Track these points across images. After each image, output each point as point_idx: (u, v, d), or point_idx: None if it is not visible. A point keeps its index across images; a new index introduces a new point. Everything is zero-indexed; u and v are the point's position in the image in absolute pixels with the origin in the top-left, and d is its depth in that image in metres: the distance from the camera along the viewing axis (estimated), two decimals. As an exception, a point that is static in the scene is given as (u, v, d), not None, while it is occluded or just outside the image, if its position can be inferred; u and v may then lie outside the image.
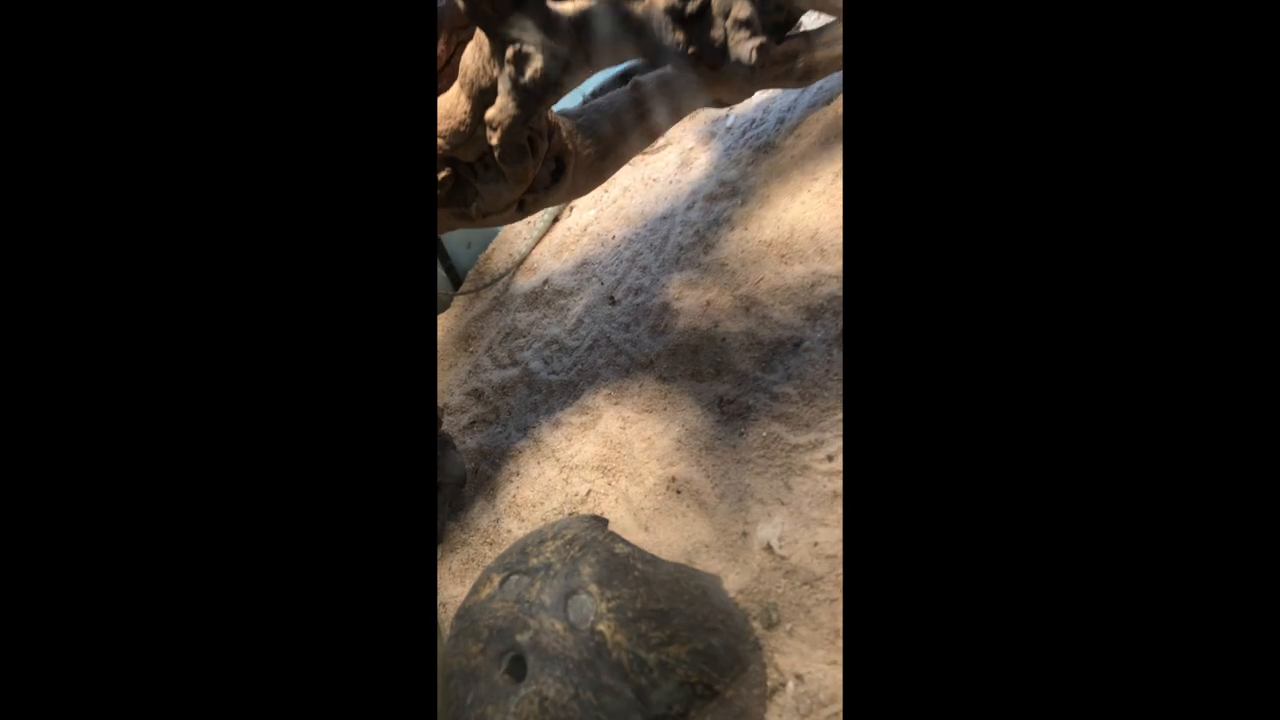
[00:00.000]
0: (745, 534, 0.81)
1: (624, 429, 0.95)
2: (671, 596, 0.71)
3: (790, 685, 0.72)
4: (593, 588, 0.68)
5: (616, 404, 0.98)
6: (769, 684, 0.72)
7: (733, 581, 0.79)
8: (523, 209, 0.82)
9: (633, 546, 0.75)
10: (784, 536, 0.79)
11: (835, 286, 0.87)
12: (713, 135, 1.15)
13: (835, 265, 0.88)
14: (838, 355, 0.84)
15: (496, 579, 0.74)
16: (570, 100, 0.99)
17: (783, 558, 0.78)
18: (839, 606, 0.73)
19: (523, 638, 0.66)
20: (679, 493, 0.87)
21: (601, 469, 0.94)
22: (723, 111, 1.18)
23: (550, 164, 0.79)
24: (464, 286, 1.34)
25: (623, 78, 0.88)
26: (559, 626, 0.66)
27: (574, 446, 0.99)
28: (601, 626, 0.65)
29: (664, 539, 0.85)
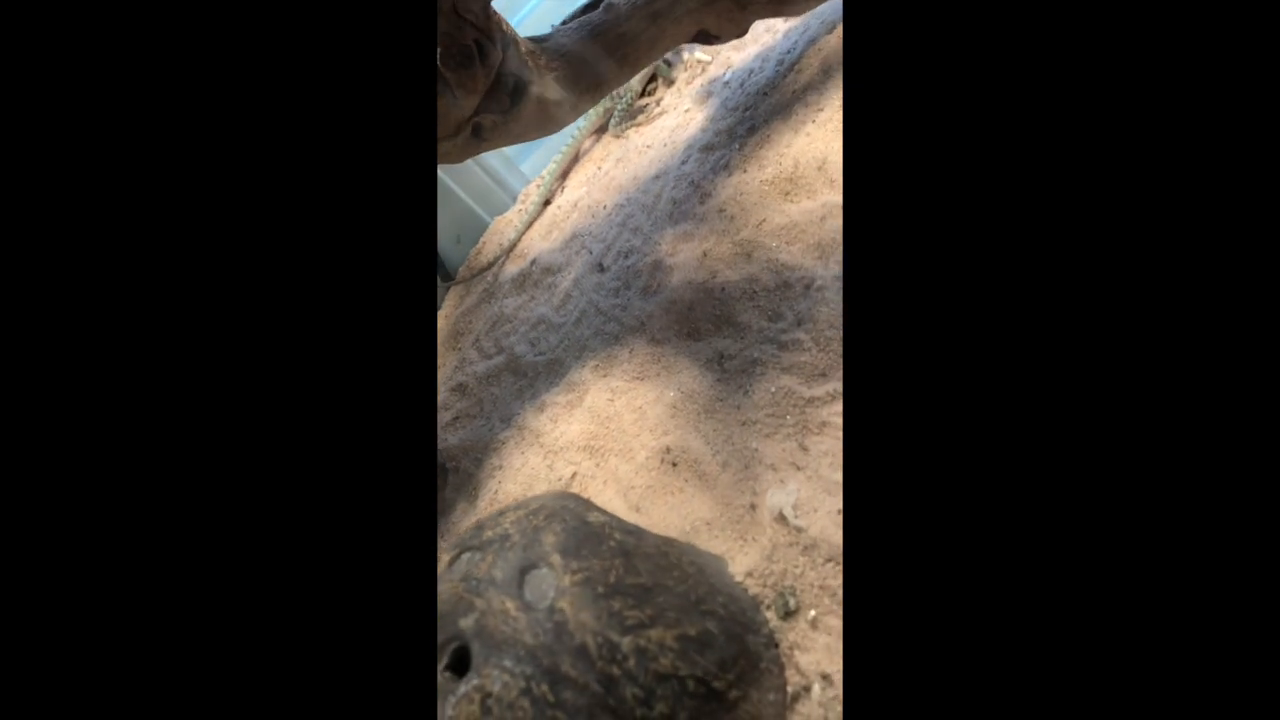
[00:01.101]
0: (754, 506, 0.67)
1: (612, 401, 0.82)
2: (657, 572, 0.56)
3: (816, 689, 0.56)
4: (555, 559, 0.54)
5: (605, 376, 0.85)
6: (789, 688, 0.57)
7: (739, 565, 0.64)
8: (480, 135, 0.72)
9: (611, 516, 0.61)
10: (800, 504, 0.64)
11: (849, 217, 0.74)
12: (710, 95, 1.05)
13: (848, 194, 0.76)
14: (856, 291, 0.71)
15: (445, 559, 0.61)
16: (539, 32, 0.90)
17: (799, 529, 0.63)
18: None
19: (466, 622, 0.52)
20: (674, 465, 0.73)
21: (588, 449, 0.81)
22: (722, 71, 1.09)
23: (508, 84, 0.69)
24: (454, 281, 1.25)
25: (594, 3, 0.80)
26: (510, 605, 0.52)
27: (559, 428, 0.86)
28: (563, 604, 0.51)
29: (658, 519, 0.71)
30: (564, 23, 0.79)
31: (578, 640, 0.50)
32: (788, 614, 0.60)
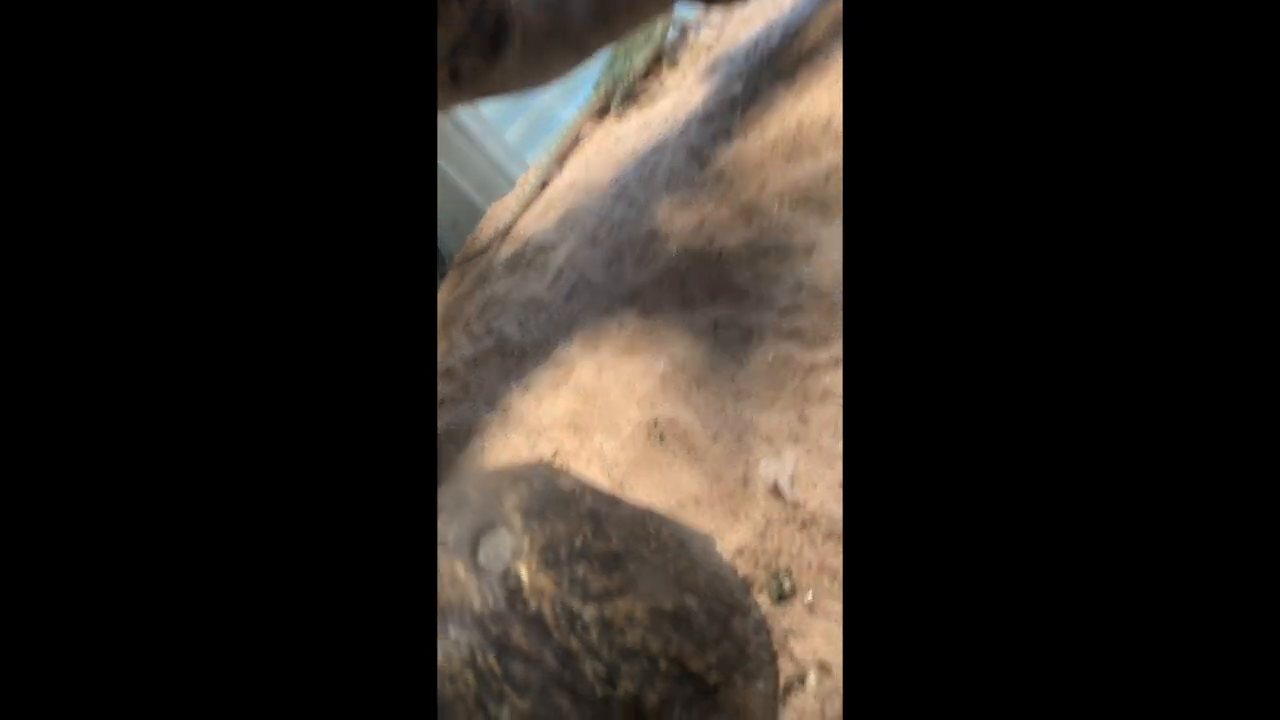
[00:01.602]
0: (746, 480, 0.60)
1: (599, 376, 0.76)
2: (630, 540, 0.50)
3: (812, 679, 0.50)
4: (515, 520, 0.48)
5: (593, 350, 0.79)
6: (782, 678, 0.50)
7: (729, 542, 0.57)
8: (457, 81, 0.67)
9: (585, 482, 0.55)
10: (798, 476, 0.57)
11: (856, 175, 0.69)
12: (714, 71, 1.01)
13: (855, 152, 0.70)
14: (862, 251, 0.65)
15: (399, 525, 0.55)
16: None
17: (796, 504, 0.56)
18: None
19: (411, 589, 0.46)
20: (662, 439, 0.67)
21: (572, 426, 0.75)
22: (727, 49, 1.05)
23: (487, 23, 0.65)
24: (445, 268, 1.20)
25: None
26: (460, 568, 0.46)
27: (543, 407, 0.80)
28: (519, 567, 0.45)
29: (642, 497, 0.64)
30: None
31: (533, 608, 0.43)
32: (782, 597, 0.53)
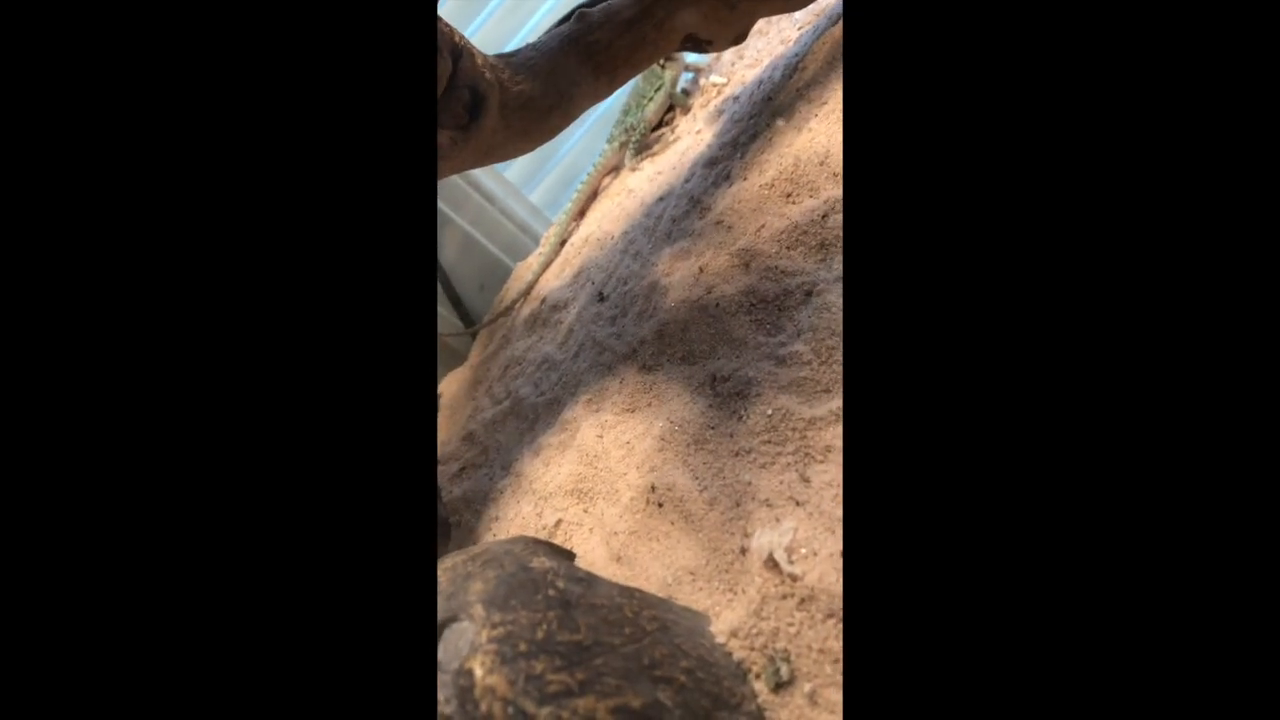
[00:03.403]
0: (744, 550, 0.55)
1: (601, 438, 0.73)
2: (601, 627, 0.46)
3: (812, 784, 0.44)
4: (477, 610, 0.45)
5: (596, 410, 0.76)
6: (779, 782, 0.44)
7: (724, 622, 0.52)
8: (438, 153, 0.67)
9: (560, 562, 0.52)
10: (796, 546, 0.52)
11: (854, 211, 0.64)
12: (721, 113, 0.98)
13: (852, 187, 0.66)
14: (862, 292, 0.60)
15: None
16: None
17: (794, 577, 0.51)
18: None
19: (367, 688, 0.44)
20: (660, 506, 0.62)
21: (575, 492, 0.72)
22: (736, 90, 1.03)
23: (463, 96, 0.65)
24: (475, 329, 1.21)
25: (568, 16, 0.76)
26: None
27: (550, 472, 0.77)
28: (473, 664, 0.42)
29: (640, 570, 0.60)
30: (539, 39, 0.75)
31: (482, 710, 0.40)
32: (779, 685, 0.48)
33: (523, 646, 0.43)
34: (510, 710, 0.40)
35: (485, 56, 0.68)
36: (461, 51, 0.64)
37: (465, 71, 0.65)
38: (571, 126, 1.50)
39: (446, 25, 0.64)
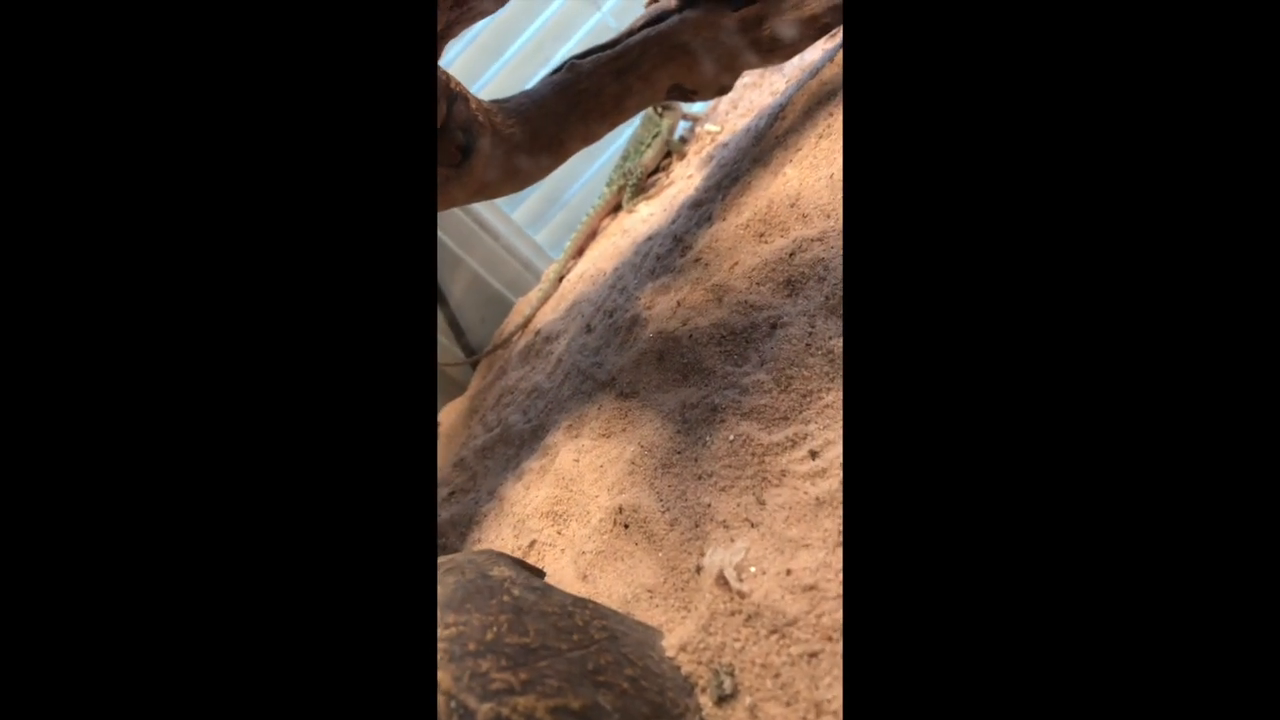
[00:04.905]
0: (699, 569, 0.57)
1: (578, 461, 0.75)
2: (549, 633, 0.48)
3: (747, 795, 0.45)
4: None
5: (575, 436, 0.79)
6: (716, 793, 0.46)
7: (674, 637, 0.54)
8: (429, 188, 0.72)
9: (519, 572, 0.54)
10: (745, 565, 0.54)
11: (818, 250, 0.68)
12: (711, 159, 1.03)
13: (818, 227, 0.70)
14: (821, 325, 0.63)
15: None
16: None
17: (742, 595, 0.53)
18: (825, 665, 0.47)
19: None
20: (626, 527, 0.65)
21: (550, 514, 0.74)
22: (729, 135, 1.08)
23: (456, 137, 0.70)
24: (474, 358, 1.25)
25: (561, 66, 0.81)
26: (366, 662, 0.45)
27: (529, 495, 0.80)
28: (419, 662, 0.44)
29: (604, 588, 0.62)
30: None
31: (425, 705, 0.42)
32: (722, 698, 0.49)
33: (471, 646, 0.45)
34: (452, 704, 0.42)
35: (480, 101, 0.74)
36: (456, 96, 0.70)
37: (459, 115, 0.70)
38: (577, 171, 1.57)
39: (444, 73, 0.70)
